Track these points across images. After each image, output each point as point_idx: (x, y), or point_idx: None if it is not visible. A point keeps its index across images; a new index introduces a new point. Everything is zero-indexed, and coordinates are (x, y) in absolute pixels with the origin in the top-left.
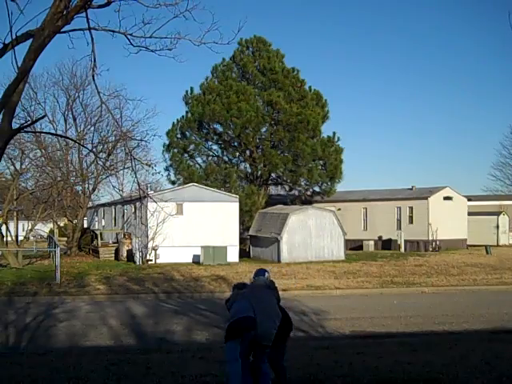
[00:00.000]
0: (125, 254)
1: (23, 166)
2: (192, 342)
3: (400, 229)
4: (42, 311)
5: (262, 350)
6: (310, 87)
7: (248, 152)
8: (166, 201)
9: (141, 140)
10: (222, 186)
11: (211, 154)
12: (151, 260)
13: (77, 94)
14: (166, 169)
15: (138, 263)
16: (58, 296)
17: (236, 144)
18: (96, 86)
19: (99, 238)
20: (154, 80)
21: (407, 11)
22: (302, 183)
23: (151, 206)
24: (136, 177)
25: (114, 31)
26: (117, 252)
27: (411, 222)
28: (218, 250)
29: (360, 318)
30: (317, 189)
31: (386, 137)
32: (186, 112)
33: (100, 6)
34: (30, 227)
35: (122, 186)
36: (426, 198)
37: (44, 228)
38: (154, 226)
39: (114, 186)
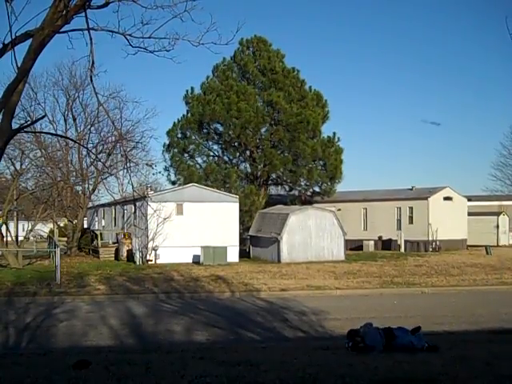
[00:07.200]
0: (125, 254)
1: (23, 166)
2: (192, 342)
3: (400, 229)
4: (42, 311)
5: None
6: (310, 87)
7: (248, 152)
8: (164, 201)
9: (137, 142)
10: (222, 186)
11: (211, 154)
12: (151, 260)
13: (76, 94)
14: (166, 169)
15: (138, 263)
16: (57, 296)
17: (236, 144)
18: (94, 87)
19: (99, 239)
20: (155, 80)
21: (407, 11)
22: (302, 183)
23: (151, 206)
24: (130, 179)
25: (112, 31)
26: (117, 252)
27: (411, 222)
28: (217, 250)
29: (360, 318)
30: (317, 189)
31: (386, 137)
32: (187, 112)
33: (99, 7)
34: (30, 227)
35: (122, 187)
36: (426, 198)
37: (44, 228)
38: (153, 226)
39: (107, 189)
